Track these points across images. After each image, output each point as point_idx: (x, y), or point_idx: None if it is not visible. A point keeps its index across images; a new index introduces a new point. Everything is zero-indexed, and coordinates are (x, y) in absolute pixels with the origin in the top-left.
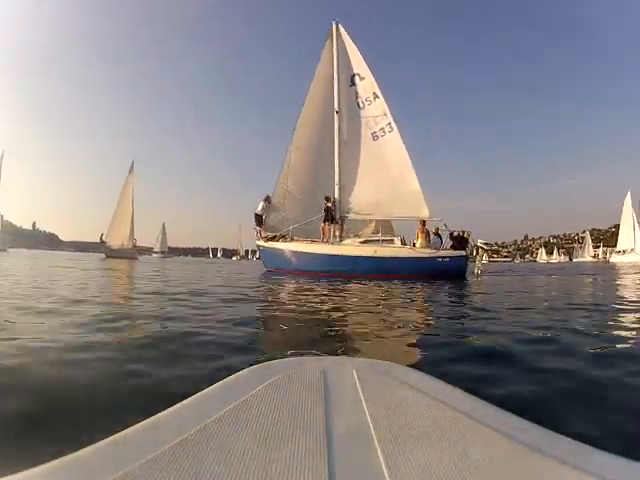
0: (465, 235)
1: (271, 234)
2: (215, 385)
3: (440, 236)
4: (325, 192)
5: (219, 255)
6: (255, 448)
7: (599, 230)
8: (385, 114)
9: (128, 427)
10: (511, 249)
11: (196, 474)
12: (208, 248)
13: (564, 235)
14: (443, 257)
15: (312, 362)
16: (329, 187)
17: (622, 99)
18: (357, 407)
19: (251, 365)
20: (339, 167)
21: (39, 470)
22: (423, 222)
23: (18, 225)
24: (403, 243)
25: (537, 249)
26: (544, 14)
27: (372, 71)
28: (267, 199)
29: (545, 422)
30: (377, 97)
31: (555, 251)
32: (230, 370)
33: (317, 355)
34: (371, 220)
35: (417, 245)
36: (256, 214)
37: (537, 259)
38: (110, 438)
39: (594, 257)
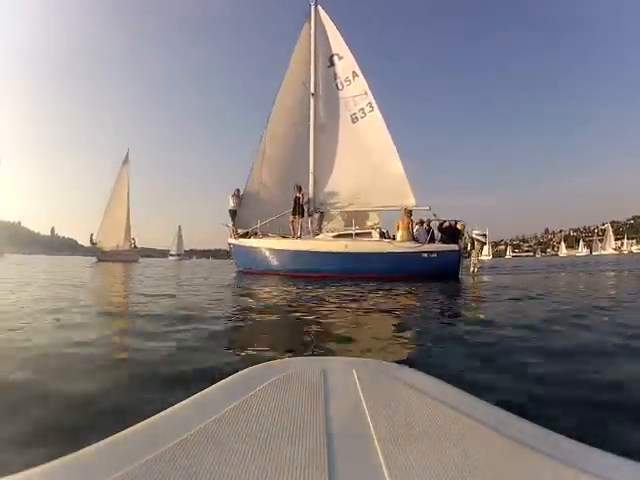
0: (459, 226)
1: (243, 231)
2: (215, 385)
3: (431, 228)
4: (303, 183)
5: None
6: (255, 448)
7: (618, 222)
8: (365, 93)
9: (128, 427)
10: (532, 243)
11: (196, 474)
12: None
13: (584, 228)
14: (430, 252)
15: (312, 362)
16: (307, 177)
17: None
18: (357, 407)
19: (251, 365)
20: (314, 154)
21: (39, 470)
22: (409, 212)
23: (36, 231)
24: (384, 236)
25: (558, 243)
26: (544, 14)
27: (352, 50)
28: (236, 193)
29: (545, 422)
30: (357, 76)
31: (581, 244)
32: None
33: (317, 355)
34: (346, 212)
35: (397, 238)
36: (230, 210)
37: (558, 253)
38: (110, 438)
39: (615, 249)
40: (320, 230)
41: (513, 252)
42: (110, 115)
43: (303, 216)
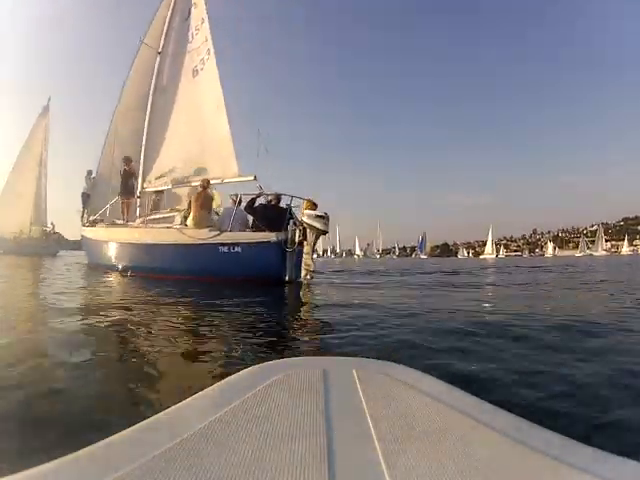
0: (304, 206)
1: (96, 218)
2: (215, 385)
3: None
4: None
5: None
6: (255, 448)
7: (607, 224)
8: (206, 39)
9: (128, 427)
10: (520, 243)
11: (196, 474)
12: None
13: (572, 229)
14: (231, 244)
15: (312, 362)
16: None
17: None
18: (357, 407)
19: (251, 365)
20: (149, 122)
21: (39, 470)
22: (204, 183)
23: None
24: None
25: (545, 243)
26: (544, 14)
27: None
28: (88, 175)
29: (545, 422)
30: (204, 22)
31: (581, 244)
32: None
33: (317, 355)
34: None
35: (188, 222)
36: (83, 194)
37: (544, 253)
38: (110, 438)
39: (606, 250)
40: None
41: (505, 251)
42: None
43: (133, 196)
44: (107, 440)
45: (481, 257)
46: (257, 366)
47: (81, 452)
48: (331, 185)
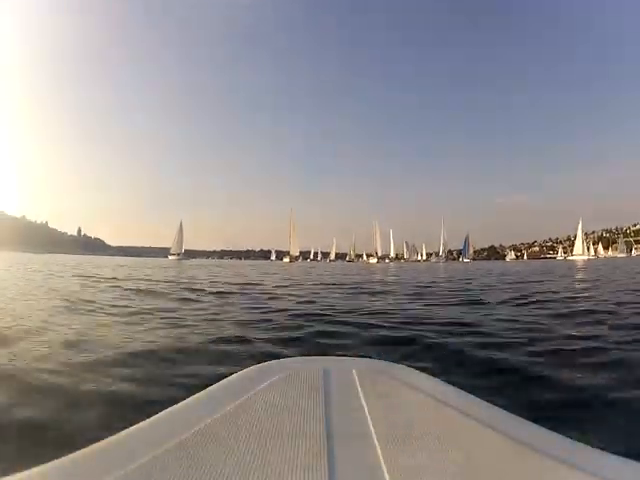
0: None
1: None
2: (215, 385)
3: None
4: None
5: (273, 257)
6: (255, 448)
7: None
8: None
9: (128, 427)
10: (566, 245)
11: (196, 474)
12: (261, 250)
13: (616, 229)
14: None
15: (312, 362)
16: None
17: None
18: (357, 407)
19: (251, 365)
20: None
21: (39, 470)
22: None
23: (62, 231)
24: None
25: (594, 244)
26: (543, 14)
27: None
28: None
29: (545, 422)
30: None
31: (622, 243)
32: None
33: (317, 355)
34: None
35: None
36: None
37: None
38: (110, 438)
39: None
40: None
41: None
42: (128, 116)
43: None
44: (108, 440)
45: (569, 258)
46: (257, 366)
47: (82, 452)
48: (394, 198)
